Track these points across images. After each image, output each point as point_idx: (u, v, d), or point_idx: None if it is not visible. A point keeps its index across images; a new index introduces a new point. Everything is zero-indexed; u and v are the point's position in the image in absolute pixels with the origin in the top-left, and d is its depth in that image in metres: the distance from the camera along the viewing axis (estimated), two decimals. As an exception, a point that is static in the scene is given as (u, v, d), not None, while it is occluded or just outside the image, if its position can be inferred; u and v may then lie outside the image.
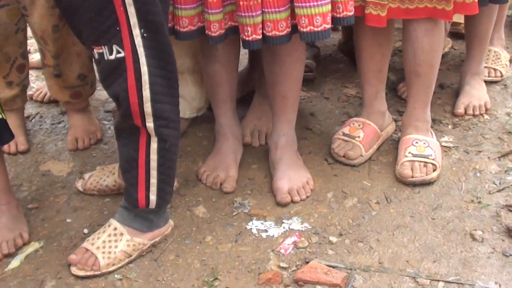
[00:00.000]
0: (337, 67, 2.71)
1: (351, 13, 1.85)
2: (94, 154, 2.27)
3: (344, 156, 2.14)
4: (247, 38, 1.82)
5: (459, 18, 2.71)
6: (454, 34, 2.84)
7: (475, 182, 2.07)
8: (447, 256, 1.79)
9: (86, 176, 2.10)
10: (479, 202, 1.98)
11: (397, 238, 1.86)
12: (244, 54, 2.55)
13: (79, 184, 2.08)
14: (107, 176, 2.06)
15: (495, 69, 2.57)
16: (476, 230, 1.88)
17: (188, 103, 2.28)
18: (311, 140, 2.28)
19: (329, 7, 1.79)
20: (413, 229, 1.89)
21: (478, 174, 2.10)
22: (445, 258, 1.78)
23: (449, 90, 2.54)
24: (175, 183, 2.02)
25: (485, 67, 2.52)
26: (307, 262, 1.76)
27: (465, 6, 1.97)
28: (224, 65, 2.05)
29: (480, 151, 2.20)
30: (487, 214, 1.94)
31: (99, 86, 2.31)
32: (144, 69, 1.62)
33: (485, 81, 2.50)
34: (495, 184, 2.06)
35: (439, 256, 1.79)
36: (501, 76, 2.57)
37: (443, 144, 2.22)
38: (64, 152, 2.28)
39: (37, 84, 2.69)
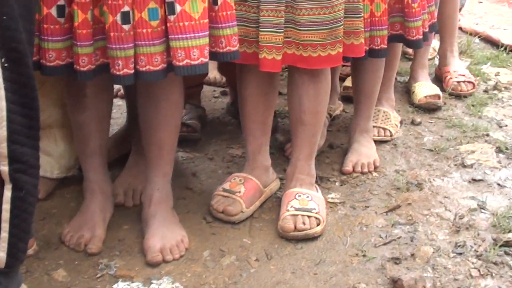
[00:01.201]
0: (224, 129, 2.78)
1: (235, 48, 1.91)
2: None
3: (223, 212, 2.15)
4: (117, 73, 1.80)
5: (350, 82, 2.87)
6: (346, 98, 2.99)
7: (361, 236, 2.12)
8: (327, 308, 1.80)
9: None
10: (364, 256, 2.03)
11: (276, 294, 1.86)
12: (123, 112, 2.59)
13: None
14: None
15: (384, 129, 2.70)
16: (359, 283, 1.90)
17: (56, 161, 2.26)
18: (190, 199, 2.29)
19: (206, 40, 1.83)
20: (294, 285, 1.90)
21: (364, 229, 2.16)
22: (325, 310, 1.80)
23: (338, 150, 2.63)
24: (34, 246, 1.97)
25: (374, 126, 2.65)
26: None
27: (354, 48, 2.10)
28: (94, 114, 2.04)
29: (367, 206, 2.27)
30: (372, 267, 1.98)
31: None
32: (2, 104, 1.53)
33: (375, 140, 2.62)
34: (381, 237, 2.11)
35: (318, 308, 1.80)
36: (391, 135, 2.70)
37: (330, 200, 2.28)
38: None
39: None
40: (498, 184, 2.44)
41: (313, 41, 2.01)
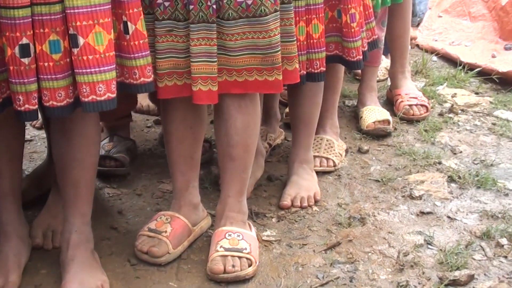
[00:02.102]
0: (155, 162, 2.79)
1: (150, 79, 1.91)
2: None
3: (147, 253, 2.16)
4: (19, 108, 1.82)
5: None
6: (288, 125, 3.00)
7: (296, 277, 2.14)
8: None
9: None
10: (298, 299, 2.06)
11: None
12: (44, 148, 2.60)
13: None
14: None
15: (327, 158, 2.72)
16: (291, 329, 1.94)
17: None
18: (114, 240, 2.30)
19: (113, 74, 1.85)
20: (222, 332, 1.93)
21: (300, 269, 2.18)
22: None
23: (277, 183, 2.65)
24: None
25: (317, 156, 2.69)
26: None
27: (288, 75, 2.12)
28: (3, 152, 2.04)
29: (305, 244, 2.29)
30: (306, 311, 2.01)
31: None
32: None
33: (317, 171, 2.65)
34: (318, 278, 2.14)
35: None
36: (334, 165, 2.73)
37: (265, 238, 2.30)
38: None
39: None
40: (448, 217, 2.48)
41: (247, 65, 2.03)
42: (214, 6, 1.98)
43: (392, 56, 3.28)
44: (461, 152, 2.93)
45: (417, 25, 3.97)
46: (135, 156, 2.80)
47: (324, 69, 2.31)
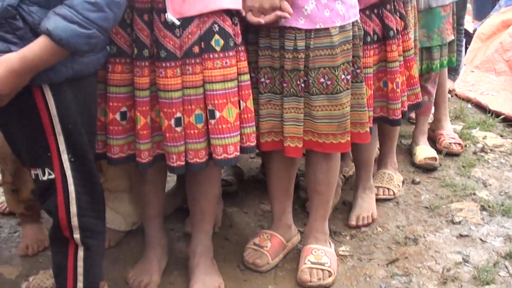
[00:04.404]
0: (258, 186, 2.77)
1: (253, 144, 1.92)
2: (40, 260, 2.25)
3: (253, 264, 2.16)
4: (172, 164, 1.84)
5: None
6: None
7: (365, 286, 2.10)
8: None
9: (31, 278, 2.09)
10: (367, 304, 2.02)
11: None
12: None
13: (23, 286, 2.07)
14: (47, 279, 2.06)
15: (388, 189, 2.66)
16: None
17: (124, 218, 2.31)
18: (227, 249, 2.30)
19: (238, 138, 1.86)
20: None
21: (368, 279, 2.14)
22: None
23: (351, 206, 2.59)
24: (105, 287, 2.02)
25: (380, 187, 2.63)
26: None
27: (360, 136, 2.07)
28: (153, 187, 2.07)
29: (371, 259, 2.25)
30: (373, 315, 1.97)
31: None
32: (71, 188, 1.64)
33: (379, 199, 2.59)
34: (381, 287, 2.10)
35: None
36: (394, 194, 2.66)
37: (341, 253, 2.27)
38: (16, 257, 2.27)
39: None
40: (481, 239, 2.39)
41: (326, 131, 1.99)
42: (303, 85, 1.95)
43: (436, 101, 3.15)
44: (490, 185, 2.81)
45: (455, 78, 3.83)
46: (242, 180, 2.79)
47: (371, 124, 2.22)
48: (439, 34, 2.76)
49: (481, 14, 4.64)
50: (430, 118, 3.39)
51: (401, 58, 2.27)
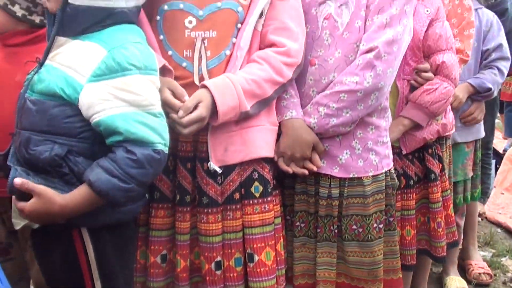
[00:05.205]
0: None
1: (282, 286, 1.94)
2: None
3: None
4: None
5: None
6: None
7: None
8: None
9: None
10: None
11: None
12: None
13: None
14: None
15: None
16: None
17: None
18: None
19: (274, 281, 1.88)
20: None
21: None
22: None
23: None
24: None
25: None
26: None
27: (393, 283, 2.07)
28: None
29: None
30: None
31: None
32: None
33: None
34: None
35: None
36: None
37: None
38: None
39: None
40: None
41: (358, 276, 2.02)
42: (336, 231, 2.00)
43: (465, 230, 3.16)
44: (519, 318, 2.79)
45: (485, 200, 3.85)
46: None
47: (414, 262, 2.27)
48: (463, 170, 2.83)
49: (512, 131, 4.69)
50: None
51: (441, 199, 2.34)
